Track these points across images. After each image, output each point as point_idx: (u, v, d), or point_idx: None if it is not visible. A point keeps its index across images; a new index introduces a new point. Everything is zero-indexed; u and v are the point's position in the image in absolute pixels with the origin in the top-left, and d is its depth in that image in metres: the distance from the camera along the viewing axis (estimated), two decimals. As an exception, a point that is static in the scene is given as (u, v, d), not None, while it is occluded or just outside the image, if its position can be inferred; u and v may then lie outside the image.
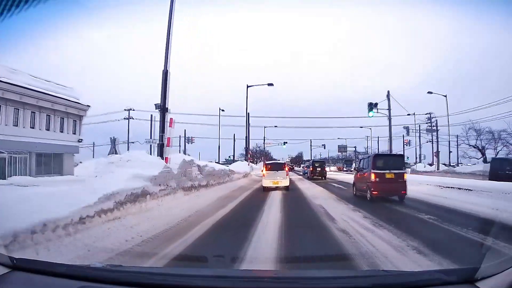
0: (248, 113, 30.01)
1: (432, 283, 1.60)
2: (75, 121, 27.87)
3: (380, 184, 10.34)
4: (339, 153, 68.95)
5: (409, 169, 29.94)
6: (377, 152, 39.24)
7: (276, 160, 30.02)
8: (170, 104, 11.58)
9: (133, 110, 41.09)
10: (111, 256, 4.06)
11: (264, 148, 56.74)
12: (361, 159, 14.19)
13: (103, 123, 39.83)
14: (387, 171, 10.52)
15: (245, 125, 29.26)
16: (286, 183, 14.72)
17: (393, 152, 24.86)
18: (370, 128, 52.06)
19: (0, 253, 1.91)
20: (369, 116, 19.62)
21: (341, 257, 4.14)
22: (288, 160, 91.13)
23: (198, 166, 12.34)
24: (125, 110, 40.99)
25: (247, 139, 31.19)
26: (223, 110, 37.37)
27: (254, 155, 59.04)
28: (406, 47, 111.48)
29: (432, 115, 34.55)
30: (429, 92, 31.61)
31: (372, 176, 10.43)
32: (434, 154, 34.80)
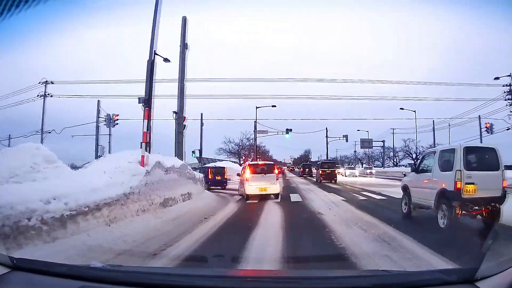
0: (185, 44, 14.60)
1: (432, 283, 1.64)
2: None
3: (324, 175, 24.07)
4: (358, 150, 57.13)
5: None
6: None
7: (270, 161, 24.28)
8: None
9: (52, 83, 27.74)
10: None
11: (255, 137, 35.66)
12: (318, 163, 28.76)
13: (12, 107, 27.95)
14: (327, 169, 24.22)
15: (180, 54, 14.37)
16: (275, 189, 12.42)
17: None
18: (414, 111, 36.04)
19: (0, 253, 1.96)
20: None
21: (341, 257, 4.41)
22: (290, 161, 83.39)
23: None
24: (40, 83, 27.29)
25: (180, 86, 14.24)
26: (168, 61, 13.40)
27: (241, 150, 47.71)
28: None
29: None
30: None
31: (320, 171, 24.24)
32: None
